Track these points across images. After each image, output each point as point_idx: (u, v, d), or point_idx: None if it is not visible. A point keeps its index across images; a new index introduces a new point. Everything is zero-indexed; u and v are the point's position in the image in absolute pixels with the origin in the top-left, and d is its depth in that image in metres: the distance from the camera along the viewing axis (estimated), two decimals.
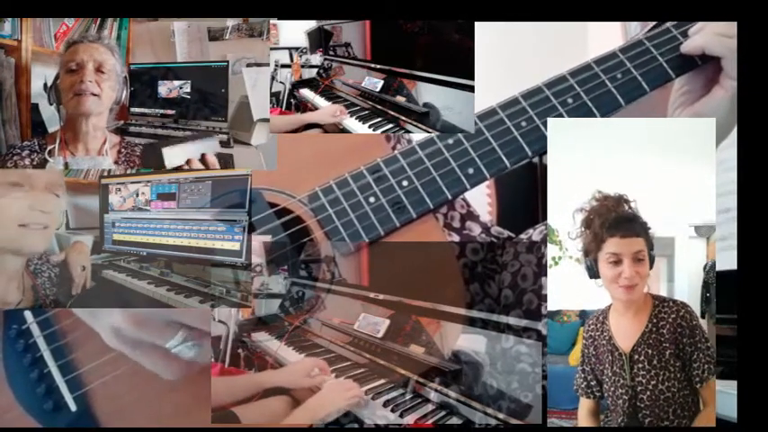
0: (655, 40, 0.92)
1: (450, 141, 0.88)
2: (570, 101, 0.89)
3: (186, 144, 1.05)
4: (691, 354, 0.80)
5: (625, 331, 0.82)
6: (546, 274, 0.87)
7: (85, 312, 0.81)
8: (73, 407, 0.83)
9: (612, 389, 0.83)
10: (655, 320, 0.81)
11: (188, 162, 1.02)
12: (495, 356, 0.79)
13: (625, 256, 0.80)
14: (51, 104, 1.03)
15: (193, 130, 1.20)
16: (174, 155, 1.03)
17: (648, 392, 0.80)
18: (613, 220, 0.81)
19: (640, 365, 0.81)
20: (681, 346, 0.80)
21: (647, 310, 0.82)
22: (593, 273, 0.83)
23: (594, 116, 0.89)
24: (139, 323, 0.76)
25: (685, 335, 0.80)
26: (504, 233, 1.00)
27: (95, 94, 1.00)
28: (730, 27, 0.88)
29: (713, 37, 0.88)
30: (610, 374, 0.83)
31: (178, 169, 1.01)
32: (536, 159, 1.84)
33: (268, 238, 0.84)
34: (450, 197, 0.87)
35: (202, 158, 1.03)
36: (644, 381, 0.80)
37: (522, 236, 0.95)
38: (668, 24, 0.93)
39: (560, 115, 0.89)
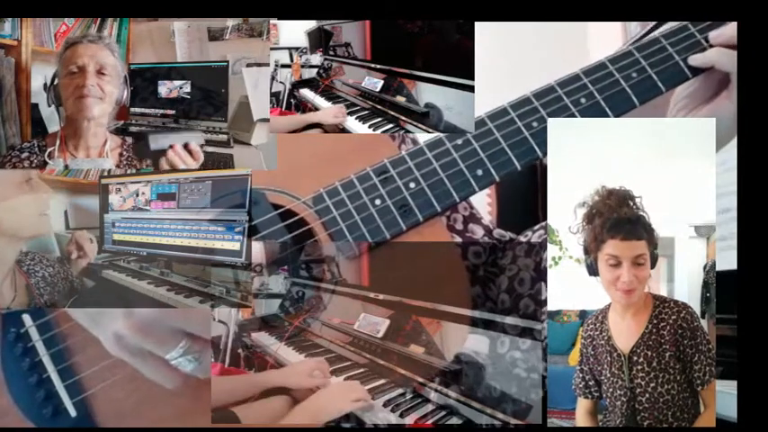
0: (672, 38, 0.90)
1: (459, 142, 0.86)
2: (583, 100, 0.87)
3: (171, 134, 1.06)
4: (692, 356, 0.79)
5: (624, 332, 0.81)
6: (546, 276, 0.87)
7: (86, 318, 0.80)
8: (72, 412, 0.82)
9: (611, 390, 0.82)
10: (655, 321, 0.80)
11: (171, 147, 1.02)
12: (494, 358, 0.79)
13: (624, 260, 0.78)
14: (50, 106, 1.02)
15: (193, 129, 1.20)
16: (158, 140, 1.03)
17: (647, 395, 0.79)
18: (615, 220, 0.79)
19: (639, 367, 0.80)
20: (681, 348, 0.79)
21: (647, 310, 0.81)
22: (593, 271, 0.81)
23: (607, 116, 0.87)
24: (142, 331, 0.75)
25: (686, 336, 0.79)
26: (506, 236, 0.99)
27: (98, 97, 0.99)
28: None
29: (722, 53, 0.87)
30: (608, 375, 0.82)
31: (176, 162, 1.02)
32: None
33: (272, 243, 0.84)
34: (458, 200, 0.85)
35: (186, 146, 1.03)
36: (643, 383, 0.79)
37: (521, 238, 0.94)
38: (686, 22, 0.91)
39: (572, 115, 0.87)
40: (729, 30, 0.88)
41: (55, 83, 1.01)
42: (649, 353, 0.79)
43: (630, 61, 0.89)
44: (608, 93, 0.88)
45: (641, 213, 0.80)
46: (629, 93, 0.88)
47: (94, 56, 0.99)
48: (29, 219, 0.89)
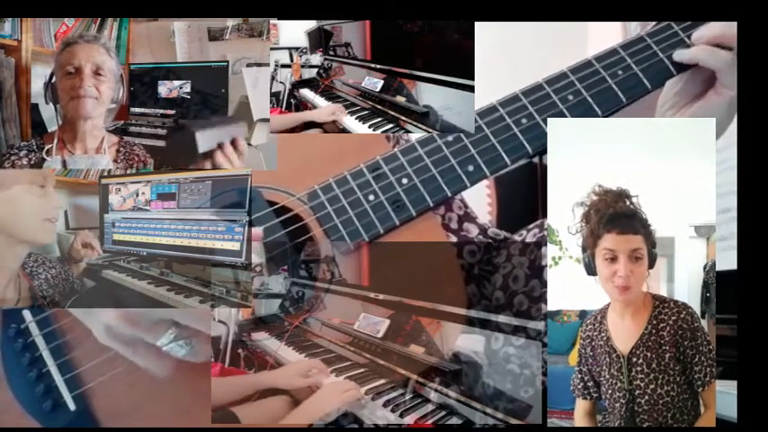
0: (656, 37, 0.91)
1: (450, 139, 0.87)
2: (571, 97, 0.88)
3: (217, 129, 1.03)
4: (692, 357, 0.78)
5: (623, 333, 0.81)
6: (543, 275, 0.87)
7: (79, 310, 0.81)
8: (72, 406, 0.82)
9: (610, 392, 0.81)
10: (654, 322, 0.80)
11: (220, 146, 1.00)
12: (490, 357, 0.79)
13: (621, 253, 0.78)
14: (48, 103, 1.03)
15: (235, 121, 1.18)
16: (207, 139, 1.01)
17: (647, 396, 0.79)
18: (611, 215, 0.79)
19: (639, 368, 0.79)
20: (681, 349, 0.78)
21: (646, 311, 0.80)
22: (591, 269, 0.81)
23: (595, 113, 0.89)
24: (130, 321, 0.76)
25: (686, 338, 0.78)
26: (500, 235, 1.00)
27: (94, 97, 1.00)
28: (727, 38, 0.87)
29: (707, 51, 0.88)
30: (607, 377, 0.82)
31: (207, 157, 1.00)
32: (536, 159, 1.85)
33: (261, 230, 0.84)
34: (449, 195, 0.86)
35: (233, 142, 1.02)
36: (642, 384, 0.79)
37: (516, 237, 0.95)
38: (671, 21, 0.92)
39: (561, 112, 0.88)
40: (709, 30, 0.89)
41: (53, 81, 1.01)
42: (649, 354, 0.79)
43: (616, 59, 0.90)
44: (595, 90, 0.89)
45: (638, 209, 0.80)
46: (615, 90, 0.89)
47: (91, 56, 1.00)
48: (31, 221, 0.89)
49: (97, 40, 1.02)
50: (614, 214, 0.79)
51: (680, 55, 0.90)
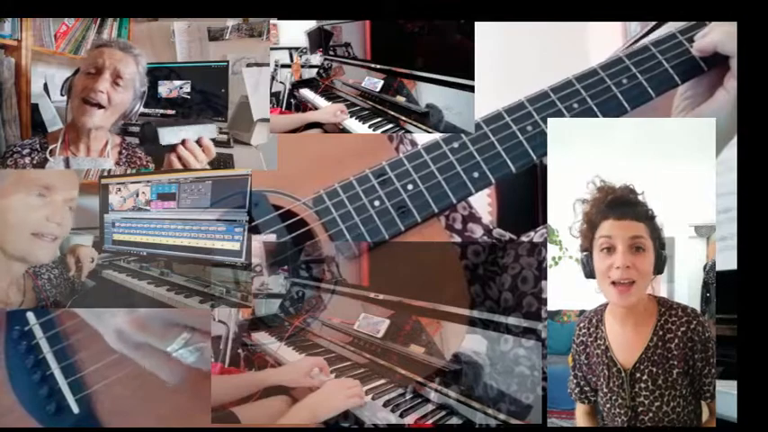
0: (661, 46, 0.92)
1: (456, 145, 0.87)
2: (576, 105, 0.89)
3: (183, 127, 1.03)
4: (702, 369, 0.71)
5: (625, 344, 0.73)
6: (546, 275, 0.87)
7: (89, 313, 0.81)
8: (75, 409, 0.82)
9: (608, 406, 0.74)
10: (661, 333, 0.71)
11: (183, 142, 1.00)
12: (494, 358, 0.79)
13: (619, 241, 0.69)
14: (63, 95, 0.99)
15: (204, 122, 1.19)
16: (169, 133, 1.01)
17: (651, 414, 0.71)
18: (610, 200, 0.72)
19: (643, 385, 0.71)
20: (691, 362, 0.71)
21: (651, 318, 0.72)
22: (589, 270, 0.73)
23: None
24: (142, 326, 0.76)
25: (697, 350, 0.70)
26: (505, 235, 1.00)
27: (102, 107, 0.97)
28: (725, 44, 0.87)
29: (726, 35, 0.88)
30: (605, 390, 0.74)
31: (176, 152, 1.00)
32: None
33: (272, 237, 0.84)
34: (454, 201, 0.86)
35: (198, 141, 1.01)
36: (646, 402, 0.71)
37: (523, 238, 0.95)
38: (674, 30, 0.93)
39: None
40: (710, 31, 0.89)
41: (75, 77, 0.98)
42: (654, 369, 0.71)
43: (621, 68, 0.91)
44: (600, 98, 0.89)
45: (642, 201, 0.74)
46: (620, 98, 0.89)
47: (116, 62, 0.98)
48: (41, 251, 0.85)
49: (130, 50, 1.00)
50: (613, 199, 0.72)
51: (700, 42, 0.89)
